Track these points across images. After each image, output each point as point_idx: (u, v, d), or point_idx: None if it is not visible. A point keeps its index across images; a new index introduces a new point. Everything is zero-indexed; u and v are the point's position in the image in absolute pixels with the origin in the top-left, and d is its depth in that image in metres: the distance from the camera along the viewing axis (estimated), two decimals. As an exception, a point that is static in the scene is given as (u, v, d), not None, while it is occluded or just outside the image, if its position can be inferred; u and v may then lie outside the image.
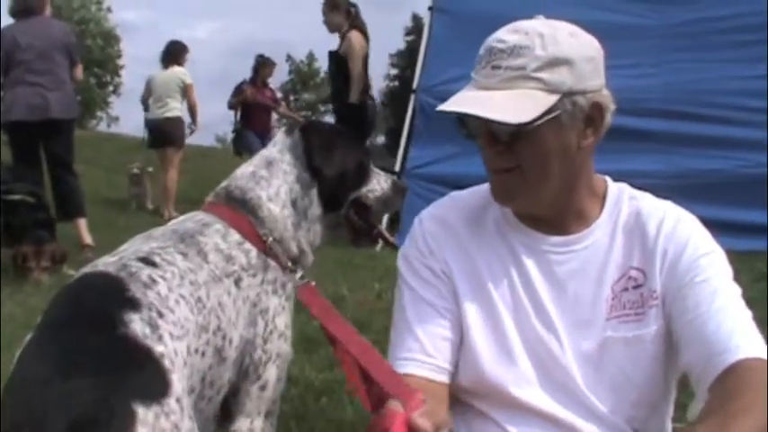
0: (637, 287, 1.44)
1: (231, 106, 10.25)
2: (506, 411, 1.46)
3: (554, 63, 1.33)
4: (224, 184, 1.82)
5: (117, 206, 9.74)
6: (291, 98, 67.53)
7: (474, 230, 1.53)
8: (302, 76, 67.92)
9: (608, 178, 1.54)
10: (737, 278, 1.44)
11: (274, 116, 10.72)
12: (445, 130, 6.37)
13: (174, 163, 9.36)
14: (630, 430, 1.45)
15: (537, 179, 1.40)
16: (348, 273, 5.12)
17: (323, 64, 67.56)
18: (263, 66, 10.22)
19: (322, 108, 67.08)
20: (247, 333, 1.67)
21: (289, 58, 67.06)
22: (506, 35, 1.37)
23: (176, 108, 9.23)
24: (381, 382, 1.38)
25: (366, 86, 7.16)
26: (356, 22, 7.03)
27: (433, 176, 6.52)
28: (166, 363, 1.32)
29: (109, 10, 40.80)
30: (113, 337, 1.30)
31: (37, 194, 5.56)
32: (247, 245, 1.70)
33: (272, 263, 1.73)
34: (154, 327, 1.35)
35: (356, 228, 1.96)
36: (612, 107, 1.41)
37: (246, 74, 10.44)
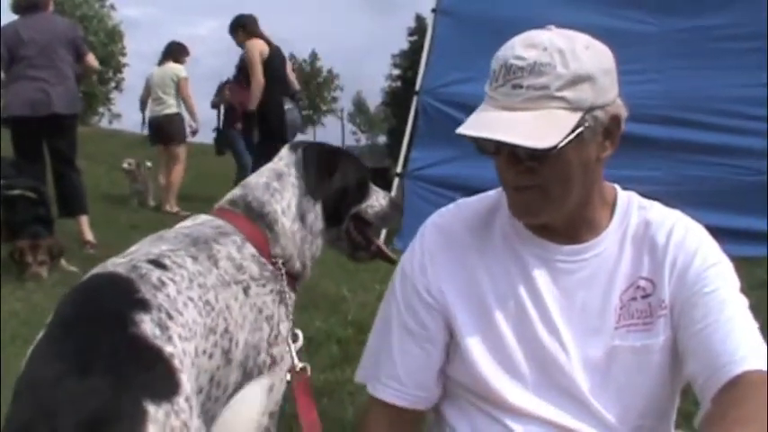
0: (645, 296, 1.44)
1: (214, 105, 10.26)
2: (510, 415, 1.46)
3: (576, 81, 1.31)
4: (239, 192, 1.84)
5: (118, 203, 9.76)
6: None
7: (479, 240, 1.52)
8: (305, 75, 67.91)
9: (617, 186, 1.53)
10: (737, 285, 1.44)
11: None
12: (447, 133, 6.39)
13: (181, 158, 9.38)
14: None
15: (559, 196, 1.38)
16: (349, 274, 5.11)
17: (325, 63, 67.70)
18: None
19: (324, 108, 67.19)
20: (252, 338, 1.68)
21: (291, 57, 67.13)
22: (524, 51, 1.32)
23: (173, 105, 9.23)
24: None
25: (287, 91, 7.40)
26: (254, 31, 7.29)
27: (435, 178, 6.53)
28: (176, 363, 1.33)
29: (112, 7, 40.82)
30: (124, 337, 1.31)
31: (38, 190, 5.56)
32: (261, 258, 1.72)
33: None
34: (163, 328, 1.37)
35: (355, 242, 1.99)
36: (626, 114, 1.40)
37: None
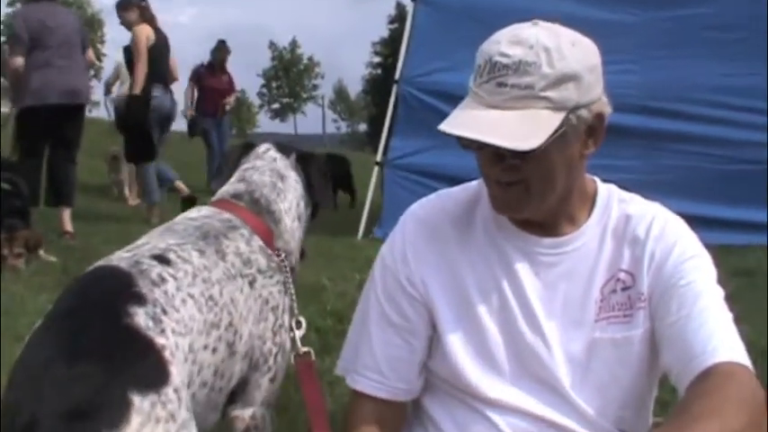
0: (625, 289, 1.45)
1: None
2: (490, 407, 1.46)
3: (561, 80, 1.30)
4: (243, 186, 1.91)
5: (97, 192, 9.67)
6: (274, 84, 67.27)
7: (461, 232, 1.52)
8: (285, 62, 67.54)
9: (597, 179, 1.53)
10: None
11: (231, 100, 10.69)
12: (427, 122, 6.43)
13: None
14: (617, 431, 1.46)
15: (541, 192, 1.38)
16: (328, 262, 5.12)
17: (306, 51, 67.46)
18: (218, 51, 10.23)
19: (304, 95, 66.95)
20: (257, 329, 1.71)
21: (272, 44, 66.72)
22: (509, 48, 1.31)
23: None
24: None
25: (164, 80, 7.42)
26: (146, 16, 7.27)
27: (415, 167, 6.54)
28: (167, 354, 1.34)
29: (91, -6, 40.41)
30: (116, 327, 1.33)
31: (13, 181, 5.51)
32: (268, 250, 1.79)
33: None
34: (157, 321, 1.38)
35: None
36: (609, 110, 1.40)
37: (229, 60, 10.44)
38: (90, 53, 6.33)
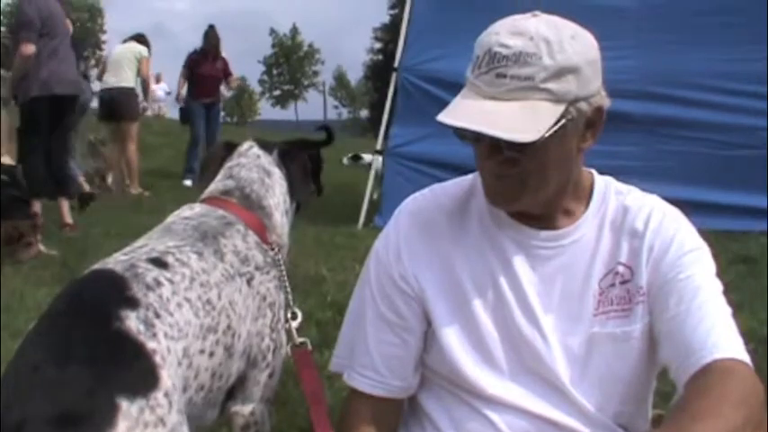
0: (624, 283, 1.43)
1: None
2: (488, 404, 1.46)
3: (561, 72, 1.28)
4: (232, 183, 1.94)
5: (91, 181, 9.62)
6: (275, 72, 67.13)
7: (456, 225, 1.50)
8: (285, 49, 67.35)
9: (594, 171, 1.52)
10: (714, 261, 1.45)
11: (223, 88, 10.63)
12: (427, 109, 6.40)
13: (132, 136, 9.18)
14: (616, 426, 1.45)
15: (537, 185, 1.37)
16: (328, 252, 5.10)
17: (306, 37, 67.25)
18: (208, 36, 10.15)
19: (305, 82, 66.80)
20: (254, 326, 1.72)
21: (272, 31, 66.55)
22: (509, 39, 1.29)
23: (129, 79, 9.06)
24: None
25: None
26: None
27: (415, 155, 6.52)
28: (157, 358, 1.34)
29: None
30: (107, 331, 1.33)
31: (10, 172, 5.50)
32: (263, 245, 1.81)
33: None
34: (149, 325, 1.38)
35: None
36: (608, 104, 1.38)
37: (226, 46, 10.41)
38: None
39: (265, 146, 2.07)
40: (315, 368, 1.71)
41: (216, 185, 1.95)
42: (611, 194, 1.49)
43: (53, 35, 5.77)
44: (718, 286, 1.39)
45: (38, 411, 1.18)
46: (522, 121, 1.26)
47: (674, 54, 6.01)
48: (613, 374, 1.43)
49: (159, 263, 1.53)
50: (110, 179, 9.69)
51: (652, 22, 6.02)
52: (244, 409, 1.74)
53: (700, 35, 5.96)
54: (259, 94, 68.40)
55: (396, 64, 6.80)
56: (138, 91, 9.35)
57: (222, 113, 11.09)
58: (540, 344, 1.43)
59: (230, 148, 2.08)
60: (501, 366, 1.45)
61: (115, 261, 1.53)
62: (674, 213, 1.47)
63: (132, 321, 1.35)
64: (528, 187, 1.37)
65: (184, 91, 10.22)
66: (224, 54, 10.32)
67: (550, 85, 1.28)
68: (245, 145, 2.07)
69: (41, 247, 5.27)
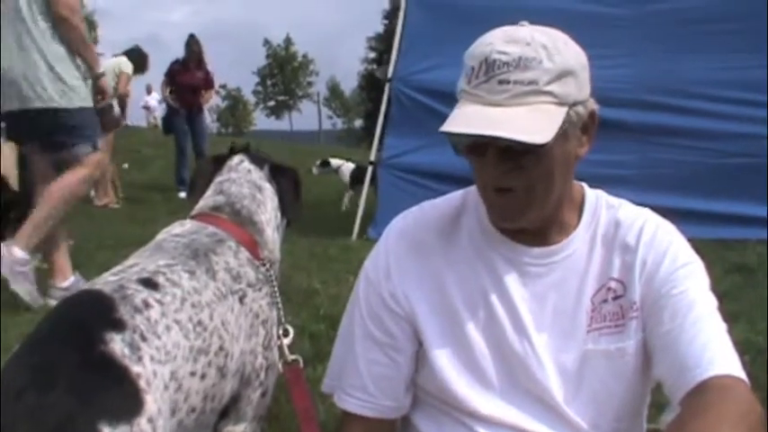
0: (616, 298, 1.41)
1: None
2: (481, 423, 1.43)
3: (562, 75, 1.28)
4: (222, 198, 1.92)
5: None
6: (269, 82, 67.23)
7: (446, 243, 1.48)
8: (279, 60, 67.46)
9: (584, 184, 1.50)
10: (709, 270, 1.43)
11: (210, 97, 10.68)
12: (420, 120, 6.41)
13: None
14: None
15: (544, 195, 1.34)
16: (321, 265, 5.07)
17: (300, 48, 67.42)
18: (189, 45, 10.16)
19: (299, 93, 66.91)
20: (247, 344, 1.70)
21: (266, 42, 66.68)
22: (506, 47, 1.28)
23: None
24: None
25: None
26: None
27: (408, 166, 6.50)
28: (142, 383, 1.31)
29: (85, -5, 40.32)
30: (91, 354, 1.30)
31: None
32: (255, 261, 1.79)
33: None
34: (134, 348, 1.35)
35: None
36: (598, 108, 1.38)
37: (221, 57, 10.42)
38: None
39: (256, 160, 2.05)
40: (306, 386, 1.69)
41: (206, 201, 1.93)
42: (603, 208, 1.47)
43: None
44: (712, 301, 1.37)
45: None
46: (533, 123, 1.24)
47: (670, 62, 6.01)
48: (607, 391, 1.41)
49: (149, 283, 1.50)
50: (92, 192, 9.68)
51: (647, 29, 6.02)
52: (236, 429, 1.72)
53: (697, 43, 5.96)
54: (253, 105, 68.55)
55: (389, 75, 6.79)
56: (115, 104, 9.30)
57: (217, 124, 11.05)
58: (532, 362, 1.41)
59: (220, 161, 2.06)
60: (494, 385, 1.43)
61: (104, 282, 1.50)
62: (667, 227, 1.45)
63: (117, 344, 1.32)
64: (534, 198, 1.34)
65: (169, 99, 10.23)
66: (210, 66, 10.30)
67: (553, 88, 1.27)
68: (236, 159, 2.05)
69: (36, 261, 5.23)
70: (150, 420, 1.27)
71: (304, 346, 3.38)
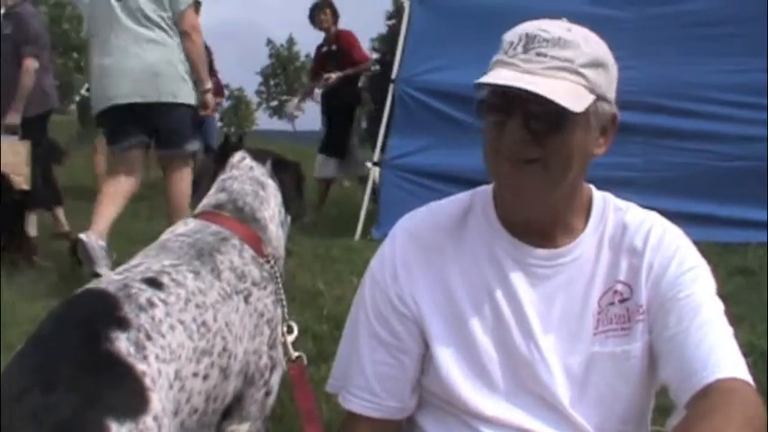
0: (623, 301, 1.42)
1: None
2: (487, 425, 1.43)
3: (596, 64, 1.31)
4: (224, 196, 1.92)
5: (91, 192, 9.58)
6: (272, 82, 67.21)
7: (453, 244, 1.48)
8: (282, 59, 67.44)
9: (592, 187, 1.50)
10: (713, 273, 1.44)
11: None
12: (425, 121, 6.41)
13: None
14: None
15: (558, 176, 1.33)
16: (325, 265, 5.06)
17: (302, 47, 67.35)
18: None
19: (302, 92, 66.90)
20: (251, 344, 1.70)
21: (269, 42, 66.67)
22: (548, 26, 1.31)
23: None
24: None
25: None
26: None
27: (412, 167, 6.48)
28: (147, 381, 1.31)
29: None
30: (95, 353, 1.30)
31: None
32: (259, 259, 1.79)
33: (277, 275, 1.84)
34: (140, 347, 1.35)
35: None
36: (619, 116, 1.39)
37: (224, 57, 10.39)
38: None
39: (258, 156, 2.04)
40: (310, 384, 1.68)
41: (209, 199, 1.93)
42: (611, 211, 1.47)
43: (45, 48, 5.73)
44: (718, 305, 1.37)
45: None
46: (564, 93, 1.25)
47: (674, 65, 5.99)
48: (613, 394, 1.42)
49: (154, 283, 1.51)
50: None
51: (651, 33, 6.00)
52: (240, 429, 1.72)
53: (700, 46, 5.95)
54: (256, 105, 68.52)
55: (393, 76, 6.78)
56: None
57: (220, 124, 11.02)
58: (539, 364, 1.41)
59: (222, 159, 2.06)
60: (500, 387, 1.43)
61: (108, 281, 1.50)
62: (674, 231, 1.46)
63: (122, 343, 1.33)
64: (549, 177, 1.32)
65: None
66: (217, 68, 10.25)
67: (587, 72, 1.29)
68: (237, 156, 2.04)
69: (35, 259, 5.24)
70: (156, 418, 1.27)
71: (308, 345, 3.39)
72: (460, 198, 1.54)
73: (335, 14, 8.16)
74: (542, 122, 1.28)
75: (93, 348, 1.30)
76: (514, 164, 1.32)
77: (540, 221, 1.43)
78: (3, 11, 5.42)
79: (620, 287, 1.42)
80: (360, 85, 8.74)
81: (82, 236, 4.22)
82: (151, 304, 1.45)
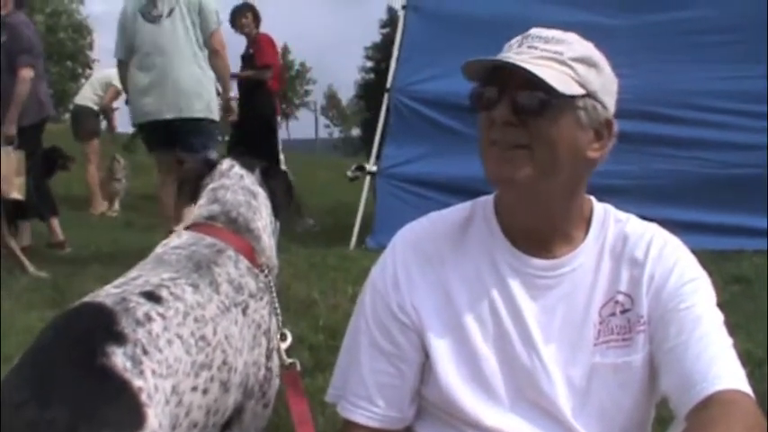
0: (624, 312, 1.41)
1: None
2: None
3: (587, 61, 1.34)
4: (216, 207, 1.90)
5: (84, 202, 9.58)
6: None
7: (454, 255, 1.48)
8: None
9: (593, 198, 1.50)
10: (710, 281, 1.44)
11: None
12: (420, 130, 6.41)
13: (88, 155, 9.00)
14: None
15: (546, 166, 1.32)
16: (320, 274, 5.05)
17: (297, 56, 67.46)
18: None
19: (296, 101, 66.92)
20: (251, 356, 1.69)
21: (263, 51, 66.65)
22: (548, 31, 1.37)
23: (88, 98, 8.97)
24: None
25: None
26: None
27: (407, 176, 6.49)
28: (143, 397, 1.29)
29: (81, 1, 40.20)
30: (91, 368, 1.28)
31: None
32: (254, 270, 1.78)
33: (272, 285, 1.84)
34: (136, 362, 1.33)
35: None
36: (617, 130, 1.39)
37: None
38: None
39: (247, 164, 2.03)
40: (303, 390, 1.68)
41: (200, 210, 1.91)
42: (611, 222, 1.47)
43: (39, 57, 5.72)
44: (719, 317, 1.37)
45: None
46: (550, 76, 1.28)
47: (670, 73, 6.02)
48: (615, 405, 1.41)
49: (153, 297, 1.49)
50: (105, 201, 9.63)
51: (647, 40, 6.03)
52: None
53: (696, 53, 5.98)
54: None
55: (388, 85, 6.79)
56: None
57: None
58: (540, 374, 1.40)
59: (208, 166, 2.03)
60: (500, 397, 1.42)
61: (105, 294, 1.48)
62: (675, 242, 1.46)
63: (119, 357, 1.31)
64: (537, 165, 1.32)
65: None
66: None
67: (576, 65, 1.32)
68: (226, 164, 2.02)
69: (32, 270, 5.21)
70: None
71: (303, 355, 3.37)
72: (461, 207, 1.54)
73: (257, 18, 8.15)
74: (527, 105, 1.31)
75: (90, 363, 1.28)
76: (504, 150, 1.34)
77: (539, 231, 1.42)
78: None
79: (621, 298, 1.42)
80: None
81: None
82: (149, 318, 1.43)
